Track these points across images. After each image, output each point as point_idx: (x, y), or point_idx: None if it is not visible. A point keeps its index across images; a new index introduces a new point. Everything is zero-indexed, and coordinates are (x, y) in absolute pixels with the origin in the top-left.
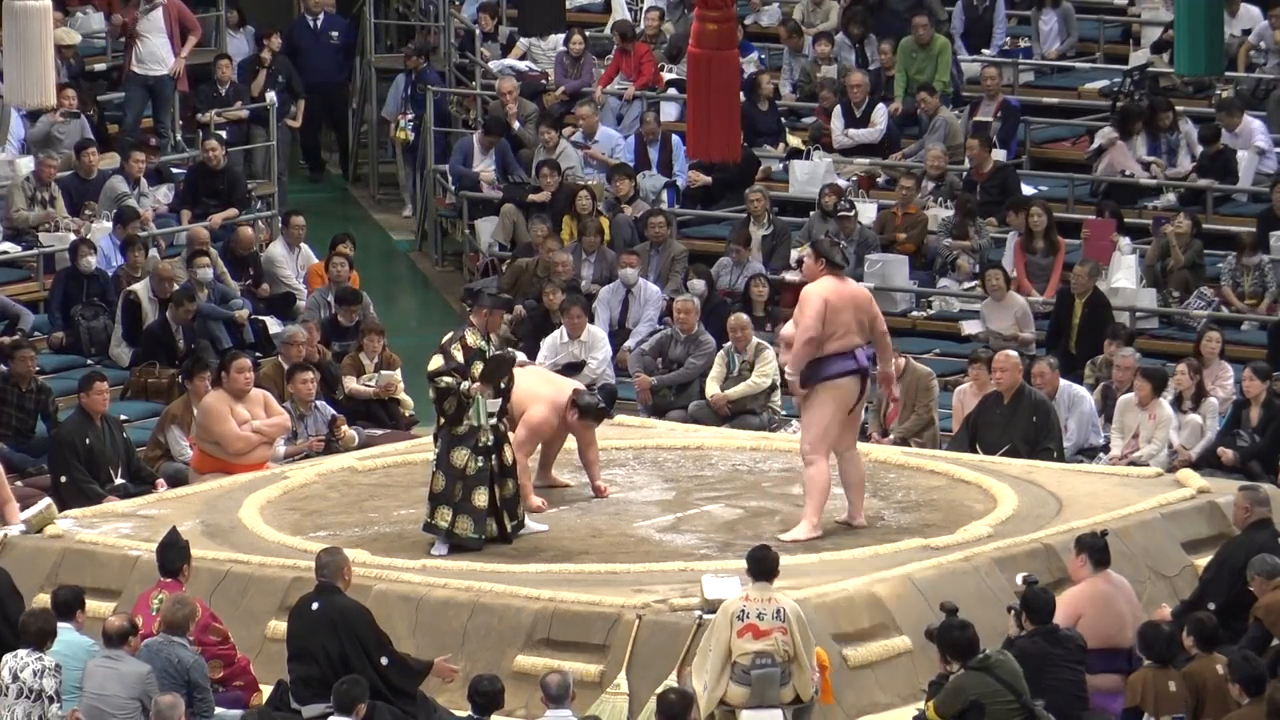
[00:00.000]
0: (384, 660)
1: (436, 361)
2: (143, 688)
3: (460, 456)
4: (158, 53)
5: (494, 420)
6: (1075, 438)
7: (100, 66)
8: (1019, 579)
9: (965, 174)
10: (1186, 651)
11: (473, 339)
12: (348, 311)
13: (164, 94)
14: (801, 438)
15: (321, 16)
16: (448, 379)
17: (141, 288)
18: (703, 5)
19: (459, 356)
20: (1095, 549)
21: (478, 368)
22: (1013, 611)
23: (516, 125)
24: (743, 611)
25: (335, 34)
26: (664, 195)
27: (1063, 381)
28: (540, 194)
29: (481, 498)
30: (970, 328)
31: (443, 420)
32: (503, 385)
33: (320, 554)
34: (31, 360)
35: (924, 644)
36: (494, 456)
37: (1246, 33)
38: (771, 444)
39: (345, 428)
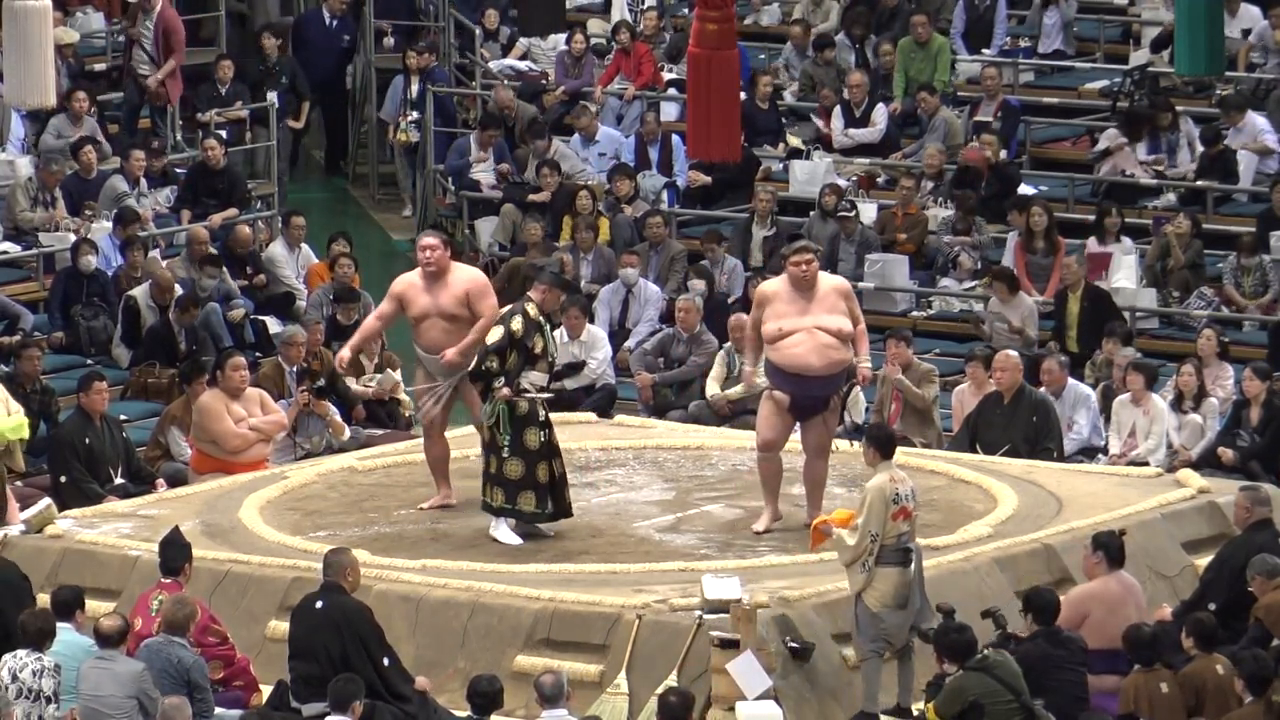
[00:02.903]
0: (385, 661)
1: (495, 334)
2: (139, 687)
3: (532, 437)
4: (146, 59)
5: (545, 394)
6: (1085, 433)
7: (100, 66)
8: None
9: (966, 168)
10: (1186, 653)
11: (534, 312)
12: (346, 310)
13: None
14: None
15: (337, 18)
16: (491, 364)
17: (141, 293)
18: (703, 5)
19: (517, 328)
20: (1111, 548)
21: (538, 341)
22: (992, 617)
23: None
24: (896, 495)
25: (347, 37)
26: (664, 195)
27: (1070, 380)
28: (540, 194)
29: (544, 473)
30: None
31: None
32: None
33: (328, 553)
34: (38, 360)
35: (924, 644)
36: (549, 430)
37: (1247, 33)
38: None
39: (333, 415)
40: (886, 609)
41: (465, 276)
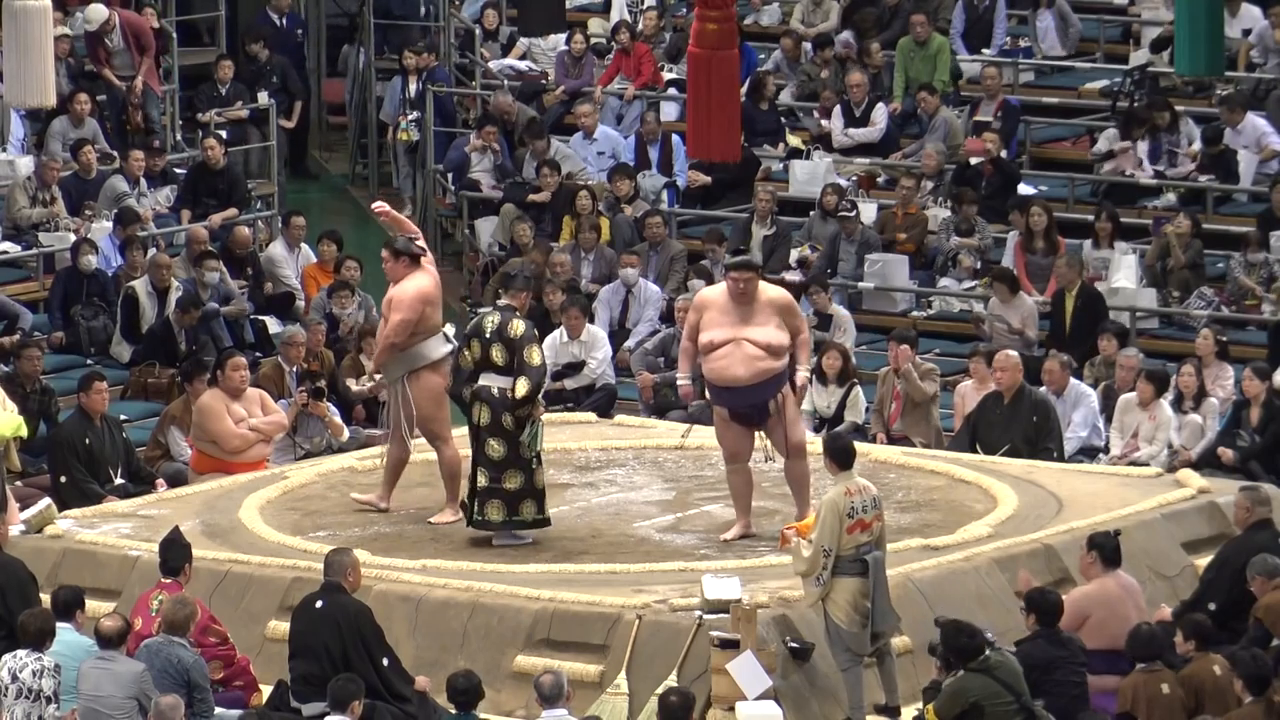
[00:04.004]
0: (385, 661)
1: (537, 356)
2: (139, 687)
3: (545, 442)
4: (128, 61)
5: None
6: (1082, 431)
7: None
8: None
9: (967, 165)
10: (1183, 654)
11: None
12: (340, 299)
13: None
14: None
15: (285, 16)
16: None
17: (140, 284)
18: (703, 5)
19: (541, 342)
20: (1106, 548)
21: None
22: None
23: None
24: (851, 509)
25: (300, 31)
26: (664, 195)
27: (1071, 380)
28: (540, 194)
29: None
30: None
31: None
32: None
33: (329, 553)
34: (38, 360)
35: (924, 644)
36: None
37: (1247, 33)
38: (771, 444)
39: (332, 416)
40: (848, 623)
41: (401, 287)
